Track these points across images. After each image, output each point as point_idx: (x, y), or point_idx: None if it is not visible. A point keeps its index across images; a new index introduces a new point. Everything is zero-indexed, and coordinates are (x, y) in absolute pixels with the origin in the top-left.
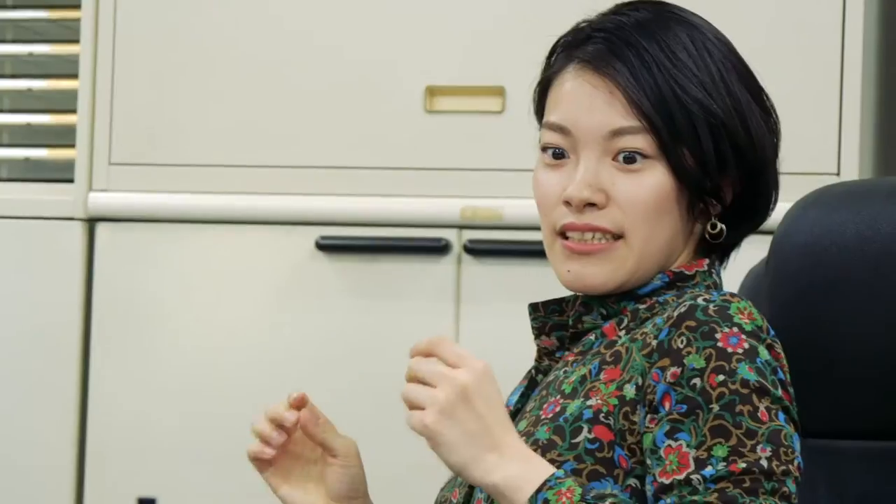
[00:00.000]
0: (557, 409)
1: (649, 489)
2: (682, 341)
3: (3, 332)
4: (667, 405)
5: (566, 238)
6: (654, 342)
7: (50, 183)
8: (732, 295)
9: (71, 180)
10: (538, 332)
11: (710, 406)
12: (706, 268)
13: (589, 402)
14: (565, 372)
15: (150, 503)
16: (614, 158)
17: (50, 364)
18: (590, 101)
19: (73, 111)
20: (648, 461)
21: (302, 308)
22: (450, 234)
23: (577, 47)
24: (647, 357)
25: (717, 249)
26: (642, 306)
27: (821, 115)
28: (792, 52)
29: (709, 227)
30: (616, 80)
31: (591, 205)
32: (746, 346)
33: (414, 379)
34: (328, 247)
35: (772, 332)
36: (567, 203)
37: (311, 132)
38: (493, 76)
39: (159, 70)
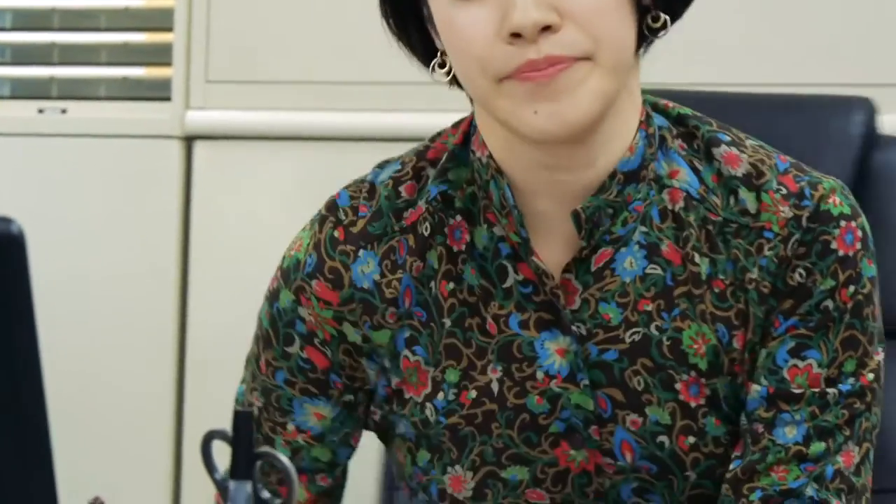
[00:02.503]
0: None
1: (755, 397)
2: (799, 275)
3: (103, 249)
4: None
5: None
6: (766, 288)
7: (147, 101)
8: (789, 166)
9: (168, 98)
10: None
11: (843, 317)
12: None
13: None
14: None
15: (247, 416)
16: None
17: (148, 280)
18: None
19: (170, 29)
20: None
21: None
22: None
23: None
24: (761, 303)
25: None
26: (653, 193)
27: None
28: None
29: (649, 21)
30: None
31: (546, 29)
32: (860, 234)
33: None
34: None
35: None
36: (514, 36)
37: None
38: None
39: None
